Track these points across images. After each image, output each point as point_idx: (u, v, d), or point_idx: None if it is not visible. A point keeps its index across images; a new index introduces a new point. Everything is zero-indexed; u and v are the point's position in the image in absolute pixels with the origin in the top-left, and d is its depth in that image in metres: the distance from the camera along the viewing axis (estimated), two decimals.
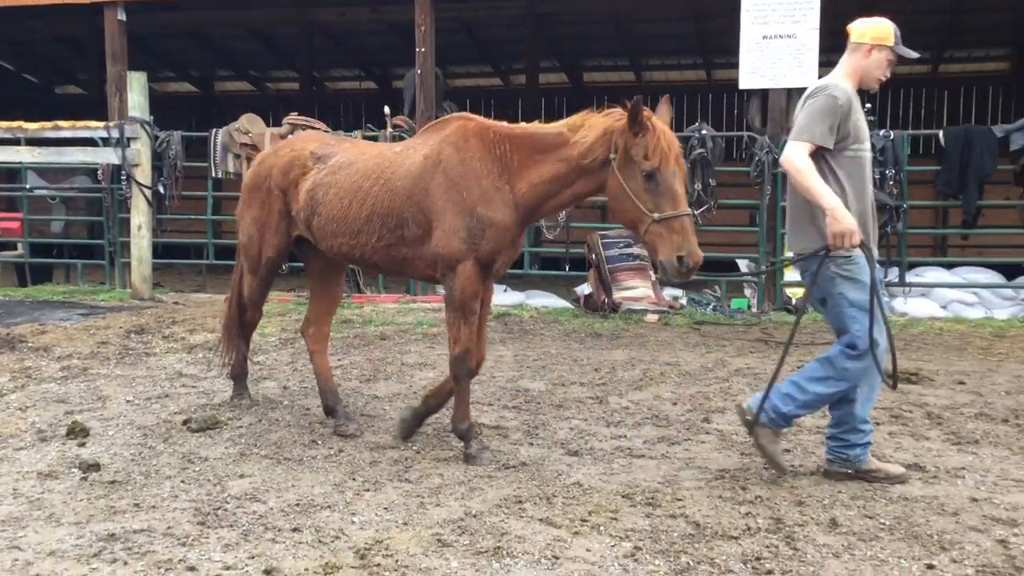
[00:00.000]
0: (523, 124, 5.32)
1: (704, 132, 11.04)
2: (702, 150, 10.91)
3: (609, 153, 4.81)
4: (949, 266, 11.57)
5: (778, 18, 10.51)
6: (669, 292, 11.48)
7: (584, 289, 11.40)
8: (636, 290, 10.94)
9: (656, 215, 4.67)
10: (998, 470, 5.10)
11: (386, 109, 12.08)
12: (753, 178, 11.00)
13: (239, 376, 6.55)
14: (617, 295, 10.88)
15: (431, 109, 11.73)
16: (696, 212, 11.01)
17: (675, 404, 6.60)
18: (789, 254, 5.34)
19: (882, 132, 10.37)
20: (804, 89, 10.43)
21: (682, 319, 10.41)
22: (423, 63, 11.81)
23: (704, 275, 11.00)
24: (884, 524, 4.28)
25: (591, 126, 4.92)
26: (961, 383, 7.19)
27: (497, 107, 21.18)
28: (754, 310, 10.98)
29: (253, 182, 6.08)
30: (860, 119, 4.80)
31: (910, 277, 10.78)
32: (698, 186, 10.91)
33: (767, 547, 4.02)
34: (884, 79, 4.91)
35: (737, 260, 12.14)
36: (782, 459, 4.99)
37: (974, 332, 9.49)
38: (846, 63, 4.92)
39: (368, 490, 4.77)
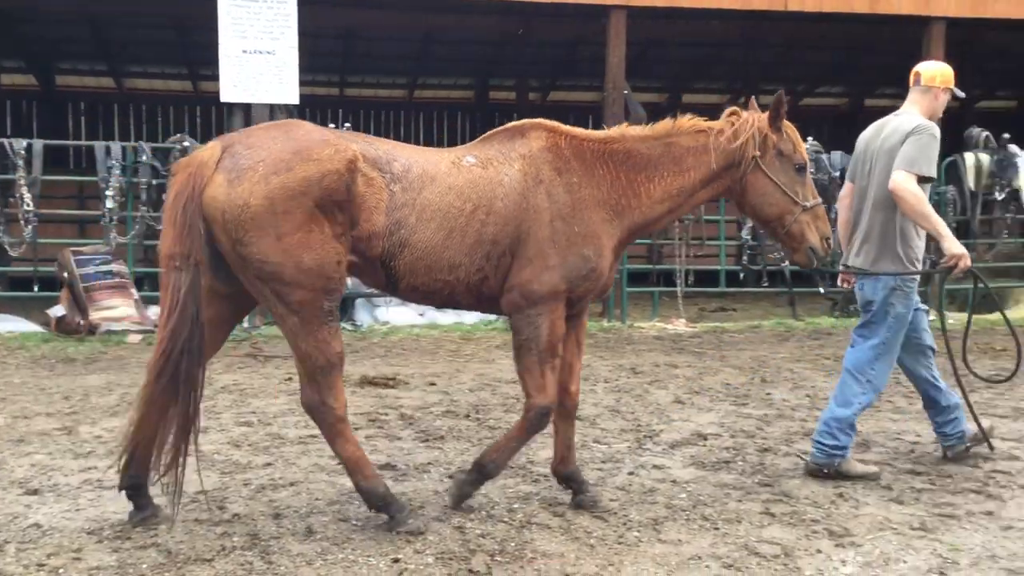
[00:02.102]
0: (603, 134, 4.79)
1: (187, 144, 10.72)
2: None
3: (755, 151, 4.78)
4: None
5: (257, 34, 10.56)
6: (155, 311, 10.94)
7: (57, 311, 10.44)
8: (116, 309, 10.29)
9: (807, 204, 4.87)
10: (460, 462, 5.58)
11: None
12: None
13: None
14: (95, 315, 10.14)
15: None
16: None
17: None
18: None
19: None
20: (287, 105, 10.76)
21: None
22: None
23: None
24: (356, 526, 4.46)
25: (723, 130, 4.78)
26: (432, 384, 7.79)
27: None
28: (245, 325, 10.88)
29: (277, 202, 4.03)
30: None
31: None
32: None
33: (241, 565, 3.97)
34: None
35: None
36: (866, 467, 5.36)
37: (446, 336, 10.35)
38: (920, 103, 5.45)
39: None
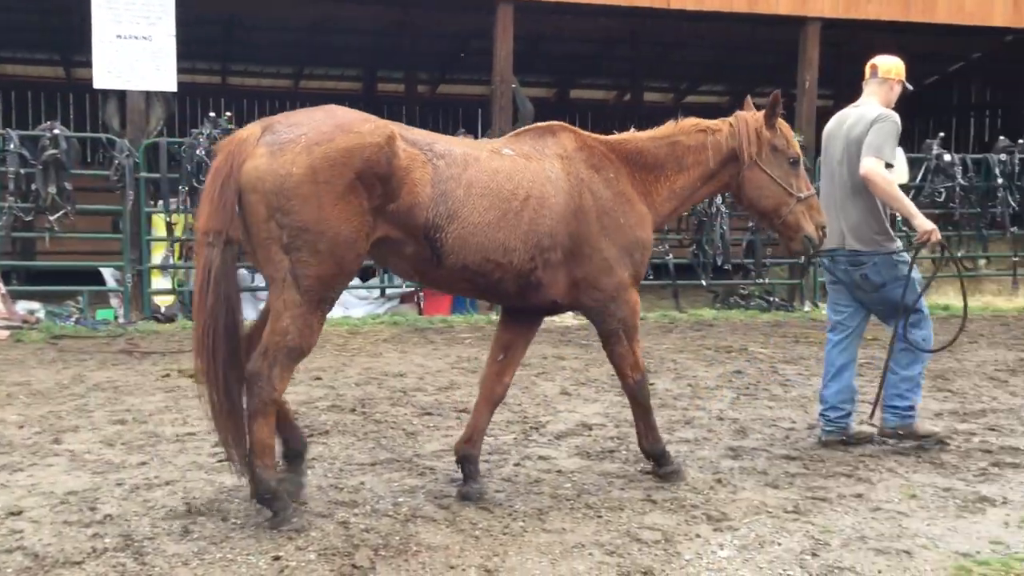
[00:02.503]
0: (619, 137, 5.12)
1: (56, 132, 10.27)
2: (55, 151, 10.15)
3: (751, 148, 5.07)
4: None
5: (132, 18, 10.19)
6: (23, 306, 10.47)
7: None
8: None
9: (801, 195, 5.13)
10: (345, 456, 5.51)
11: None
12: (114, 182, 10.53)
13: (272, 484, 4.30)
14: None
15: None
16: (52, 218, 10.26)
17: (22, 428, 6.00)
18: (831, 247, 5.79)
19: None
20: (164, 93, 10.43)
21: (38, 334, 9.57)
22: None
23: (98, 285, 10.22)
24: (236, 524, 4.34)
25: (723, 131, 5.08)
26: (318, 378, 7.66)
27: None
28: (121, 321, 10.51)
29: (320, 171, 4.07)
30: None
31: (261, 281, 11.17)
32: (52, 190, 10.13)
33: (114, 567, 3.82)
34: None
35: (101, 268, 11.51)
36: (933, 427, 5.90)
37: (333, 331, 10.18)
38: (878, 94, 5.81)
39: None
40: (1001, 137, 13.98)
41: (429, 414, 6.55)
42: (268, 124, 4.25)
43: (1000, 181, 13.07)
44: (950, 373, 8.13)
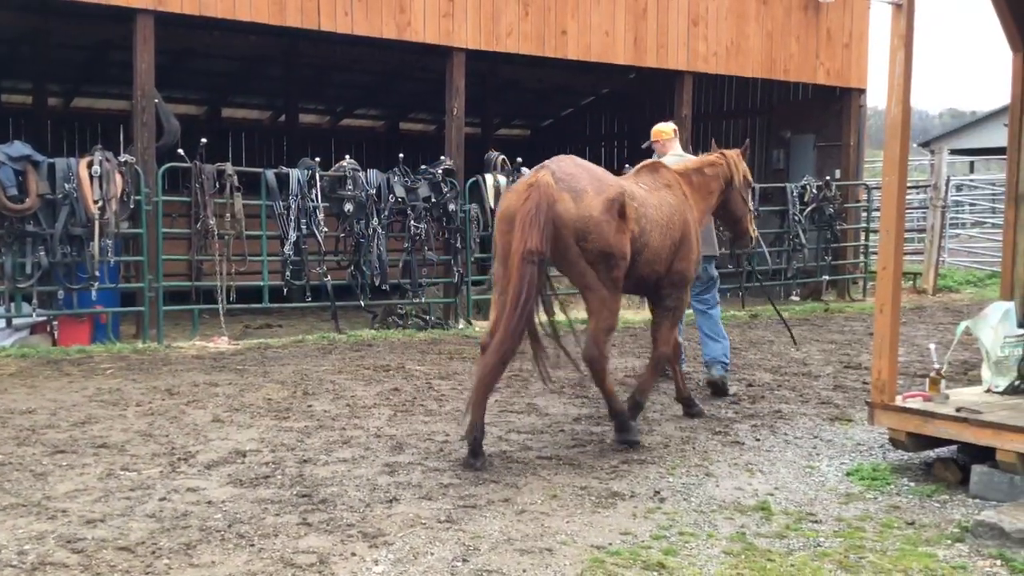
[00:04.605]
0: (680, 169, 7.04)
1: None
2: None
3: (739, 176, 7.46)
4: None
5: None
6: None
7: None
8: None
9: (753, 211, 7.78)
10: None
11: None
12: None
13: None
14: None
15: None
16: None
17: None
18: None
19: None
20: None
21: None
22: None
23: None
24: None
25: (724, 164, 7.32)
26: None
27: None
28: None
29: (606, 211, 5.87)
30: None
31: None
32: None
33: None
34: None
35: None
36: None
37: None
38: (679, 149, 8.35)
39: None
40: (627, 165, 15.37)
41: (62, 452, 6.00)
42: (551, 171, 5.85)
43: None
44: (586, 380, 8.77)
